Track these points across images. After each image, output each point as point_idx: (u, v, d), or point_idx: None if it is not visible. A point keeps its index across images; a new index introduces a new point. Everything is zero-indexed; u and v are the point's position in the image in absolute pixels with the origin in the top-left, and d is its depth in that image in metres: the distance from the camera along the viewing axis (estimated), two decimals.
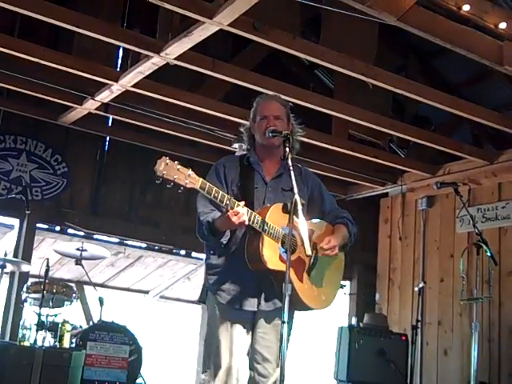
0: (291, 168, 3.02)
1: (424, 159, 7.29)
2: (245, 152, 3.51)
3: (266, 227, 3.07)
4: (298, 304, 3.23)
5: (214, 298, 3.27)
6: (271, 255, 3.07)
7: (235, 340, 3.19)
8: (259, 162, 3.39)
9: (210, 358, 3.22)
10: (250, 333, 3.26)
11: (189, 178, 2.86)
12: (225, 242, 3.17)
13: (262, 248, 3.06)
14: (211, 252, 3.30)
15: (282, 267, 2.95)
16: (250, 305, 3.21)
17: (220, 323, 3.22)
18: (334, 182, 7.47)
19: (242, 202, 3.01)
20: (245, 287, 3.21)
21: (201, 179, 2.93)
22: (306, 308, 3.30)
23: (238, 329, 3.21)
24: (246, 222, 3.00)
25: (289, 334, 3.24)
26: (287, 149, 3.08)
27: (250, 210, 3.04)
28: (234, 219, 2.97)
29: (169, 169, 2.82)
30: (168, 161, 2.82)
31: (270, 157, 3.40)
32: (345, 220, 3.44)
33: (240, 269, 3.13)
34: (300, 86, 5.92)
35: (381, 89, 5.50)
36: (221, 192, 2.98)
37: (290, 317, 3.30)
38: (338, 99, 6.16)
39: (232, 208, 2.97)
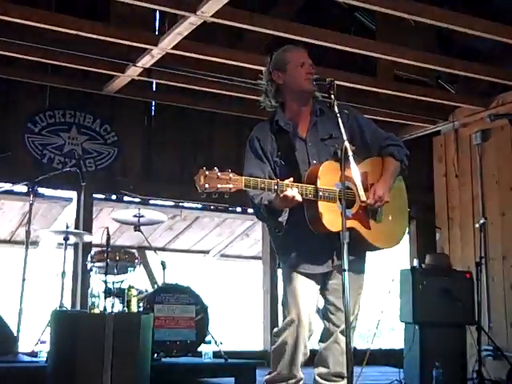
0: (338, 115, 2.94)
1: (475, 92, 7.08)
2: (272, 109, 3.37)
3: (319, 194, 3.02)
4: (371, 248, 3.27)
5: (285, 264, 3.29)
6: (332, 218, 3.03)
7: (308, 293, 3.20)
8: (288, 120, 3.29)
9: (284, 312, 3.25)
10: (322, 284, 3.26)
11: (231, 182, 2.79)
12: (285, 220, 3.14)
13: (321, 214, 3.03)
14: (276, 230, 3.25)
15: (347, 225, 2.88)
16: (325, 267, 3.21)
17: (292, 278, 3.22)
18: (384, 126, 7.25)
19: (291, 179, 2.95)
20: (316, 252, 3.18)
21: (243, 178, 2.86)
22: (381, 249, 3.30)
23: (309, 283, 3.21)
24: (300, 200, 2.95)
25: (362, 281, 3.30)
26: (332, 96, 2.98)
27: (299, 185, 2.98)
28: (288, 201, 2.94)
29: (209, 180, 2.76)
30: (207, 172, 2.77)
31: (304, 108, 3.31)
32: (389, 149, 3.32)
33: (307, 235, 3.10)
34: (341, 30, 5.79)
35: (423, 24, 5.33)
36: (266, 181, 2.93)
37: (362, 265, 3.30)
38: (380, 40, 6.01)
39: (282, 191, 2.92)
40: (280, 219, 3.14)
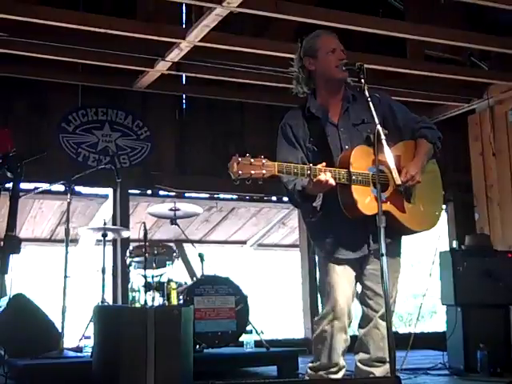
0: (369, 99, 2.94)
1: (509, 68, 6.92)
2: (304, 95, 3.36)
3: (353, 177, 3.01)
4: (407, 232, 3.23)
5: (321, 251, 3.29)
6: (366, 202, 3.01)
7: (344, 281, 3.19)
8: (320, 106, 3.28)
9: (323, 301, 3.25)
10: (358, 270, 3.25)
11: (264, 168, 2.80)
12: (319, 205, 3.14)
13: (355, 198, 3.01)
14: (310, 216, 3.26)
15: (382, 208, 2.88)
16: (360, 252, 3.19)
17: (327, 267, 3.22)
18: (417, 107, 7.23)
19: (323, 164, 2.94)
20: (351, 237, 3.17)
21: (276, 163, 2.86)
22: (417, 232, 3.27)
23: (345, 270, 3.20)
24: (333, 184, 2.95)
25: (398, 265, 3.27)
26: (362, 80, 2.98)
27: (332, 169, 2.97)
28: (321, 185, 2.93)
29: (242, 167, 2.77)
30: (239, 158, 2.78)
31: (335, 94, 3.29)
32: (422, 132, 3.28)
33: (342, 221, 3.09)
34: (368, 13, 5.72)
35: (452, 1, 5.23)
36: (299, 166, 2.93)
37: (397, 249, 3.28)
38: (409, 21, 5.93)
39: (315, 176, 2.92)
40: (314, 204, 3.14)
